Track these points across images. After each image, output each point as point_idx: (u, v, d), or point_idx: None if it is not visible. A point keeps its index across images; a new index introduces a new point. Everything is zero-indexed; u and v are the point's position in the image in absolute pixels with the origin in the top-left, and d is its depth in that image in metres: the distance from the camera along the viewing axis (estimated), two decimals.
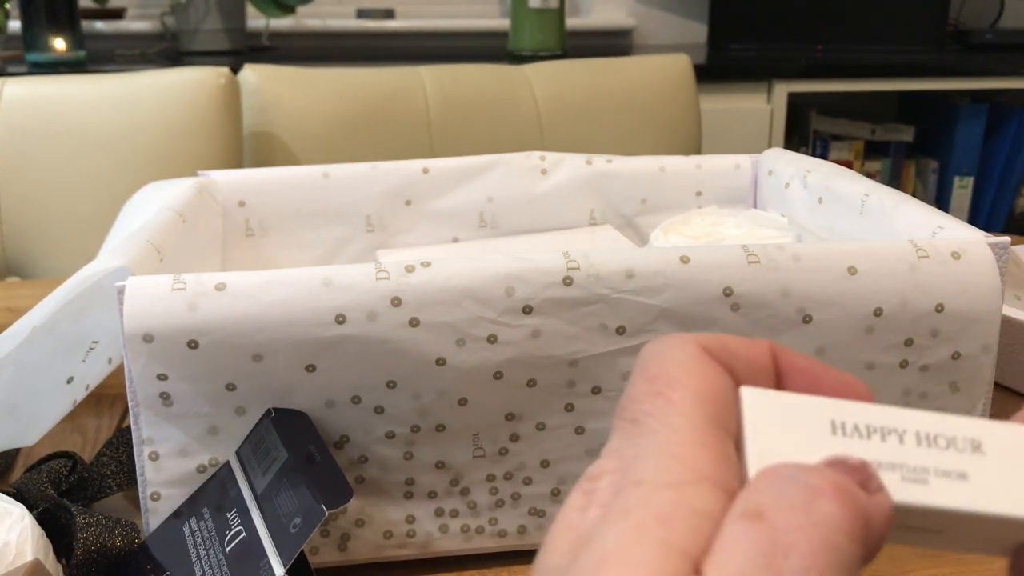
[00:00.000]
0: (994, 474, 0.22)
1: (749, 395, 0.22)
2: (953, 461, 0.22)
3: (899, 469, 0.21)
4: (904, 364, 0.46)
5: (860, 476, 0.21)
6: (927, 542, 0.23)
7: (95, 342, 0.47)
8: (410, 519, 0.45)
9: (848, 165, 1.91)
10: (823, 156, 2.04)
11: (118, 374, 0.47)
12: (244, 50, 1.79)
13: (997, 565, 0.47)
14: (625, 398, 0.22)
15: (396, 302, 0.41)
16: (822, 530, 0.19)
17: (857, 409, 0.22)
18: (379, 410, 0.43)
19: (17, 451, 0.56)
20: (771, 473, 0.20)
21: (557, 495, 0.46)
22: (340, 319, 0.40)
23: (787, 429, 0.22)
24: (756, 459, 0.21)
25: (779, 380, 0.23)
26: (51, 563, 0.41)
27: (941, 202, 2.08)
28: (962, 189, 2.06)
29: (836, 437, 0.22)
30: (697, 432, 0.21)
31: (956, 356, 0.46)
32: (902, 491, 0.21)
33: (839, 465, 0.21)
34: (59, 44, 1.60)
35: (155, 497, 0.43)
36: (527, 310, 0.42)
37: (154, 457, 0.43)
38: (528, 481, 0.46)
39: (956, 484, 0.21)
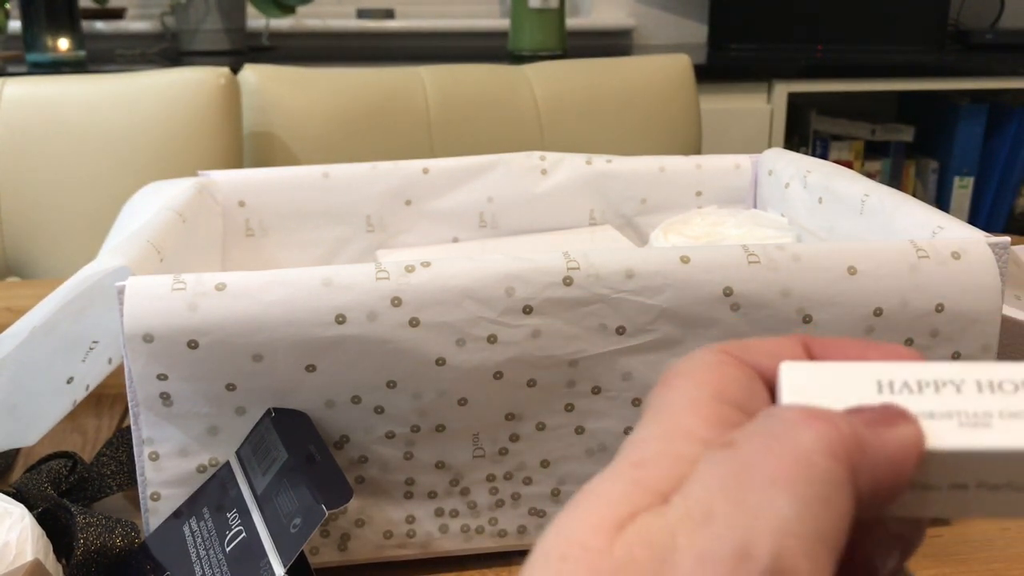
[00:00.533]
0: None
1: (787, 368, 0.21)
2: (1023, 402, 0.20)
3: (956, 416, 0.20)
4: None
5: (877, 415, 0.20)
6: (1005, 506, 0.21)
7: (95, 342, 0.47)
8: (410, 519, 0.45)
9: (848, 165, 1.91)
10: (823, 156, 2.04)
11: (118, 374, 0.46)
12: (244, 50, 1.79)
13: (999, 565, 0.47)
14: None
15: (396, 302, 0.41)
16: (792, 448, 0.18)
17: (908, 367, 0.21)
18: (379, 410, 0.43)
19: (17, 451, 0.56)
20: (756, 415, 0.20)
21: (557, 495, 0.46)
22: (340, 319, 0.40)
23: (828, 394, 0.21)
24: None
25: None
26: (51, 563, 0.41)
27: (941, 202, 2.08)
28: (962, 189, 2.06)
29: (883, 395, 0.21)
30: (694, 405, 0.21)
31: (956, 356, 0.46)
32: (960, 436, 0.20)
33: (851, 410, 0.20)
34: (59, 44, 1.60)
35: (155, 497, 0.43)
36: (527, 310, 0.42)
37: (154, 457, 0.43)
38: (528, 481, 0.46)
39: None
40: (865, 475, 0.19)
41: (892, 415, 0.20)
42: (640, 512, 0.19)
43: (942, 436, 0.20)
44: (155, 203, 0.57)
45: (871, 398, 0.20)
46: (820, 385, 0.21)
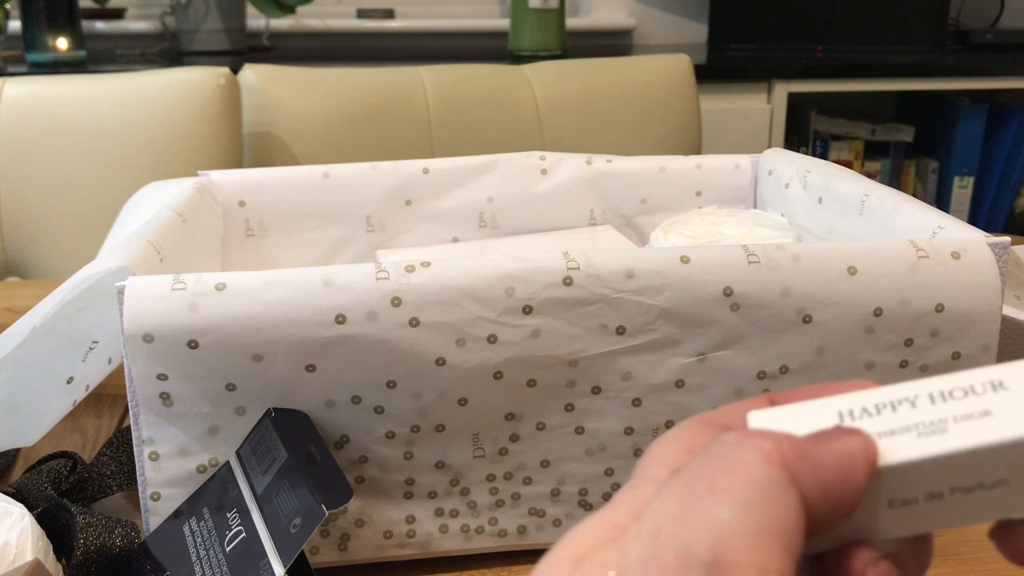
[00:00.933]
0: (1020, 402, 0.21)
1: (754, 416, 0.22)
2: (973, 404, 0.21)
3: (914, 429, 0.21)
4: (904, 364, 0.46)
5: (825, 434, 0.21)
6: (983, 508, 0.22)
7: (95, 342, 0.47)
8: (410, 519, 0.45)
9: (848, 165, 1.91)
10: (823, 156, 2.04)
11: (118, 374, 0.47)
12: (244, 50, 1.79)
13: (998, 565, 0.47)
14: None
15: (396, 302, 0.41)
16: (731, 461, 0.20)
17: (867, 395, 0.22)
18: (379, 410, 0.43)
19: (17, 451, 0.56)
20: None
21: (557, 495, 0.46)
22: (340, 319, 0.40)
23: (792, 426, 0.22)
24: None
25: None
26: (51, 563, 0.41)
27: (941, 202, 2.08)
28: (962, 189, 2.06)
29: (844, 422, 0.22)
30: (664, 457, 0.22)
31: (956, 356, 0.46)
32: (919, 446, 0.20)
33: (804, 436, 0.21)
34: (59, 44, 1.60)
35: (155, 497, 0.43)
36: (527, 310, 0.42)
37: (154, 457, 0.43)
38: (528, 481, 0.46)
39: (978, 422, 0.20)
40: (808, 478, 0.20)
41: (840, 431, 0.21)
42: (601, 544, 0.20)
43: (903, 449, 0.21)
44: (155, 203, 0.57)
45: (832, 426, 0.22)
46: (785, 424, 0.22)
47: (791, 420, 0.22)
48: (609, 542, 0.20)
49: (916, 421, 0.21)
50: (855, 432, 0.21)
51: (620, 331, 0.43)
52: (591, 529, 0.21)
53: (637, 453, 0.46)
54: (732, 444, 0.20)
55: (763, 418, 0.22)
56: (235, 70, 1.29)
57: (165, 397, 0.41)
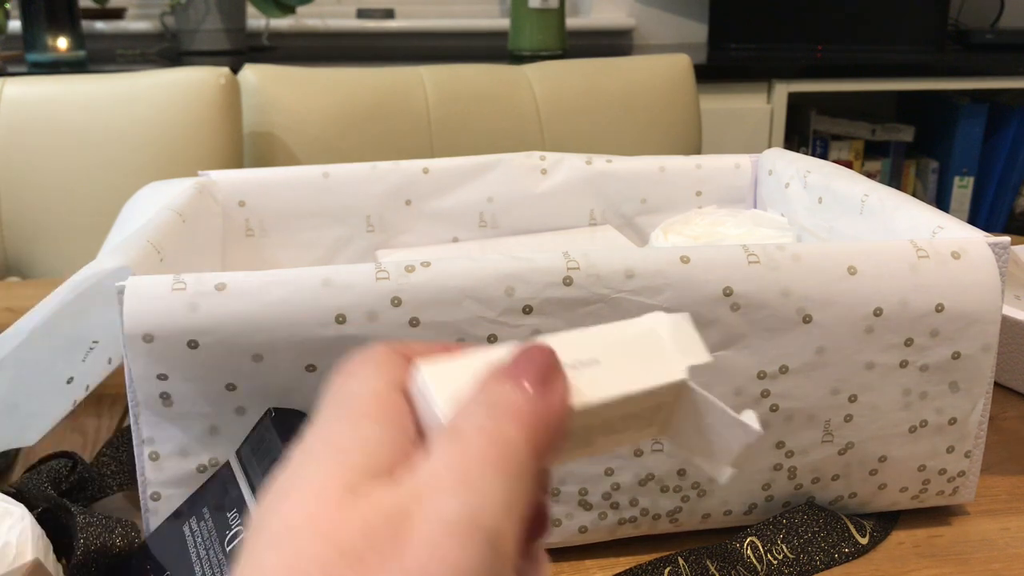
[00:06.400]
0: (623, 358, 0.26)
1: (424, 365, 0.25)
2: (587, 352, 0.25)
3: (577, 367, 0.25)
4: (904, 364, 0.46)
5: (542, 372, 0.24)
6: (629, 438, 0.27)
7: (95, 342, 0.47)
8: None
9: (848, 165, 1.91)
10: (823, 156, 2.04)
11: (118, 374, 0.47)
12: (244, 50, 1.79)
13: (999, 565, 0.47)
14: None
15: (396, 302, 0.41)
16: (503, 439, 0.22)
17: (508, 349, 0.25)
18: None
19: (17, 451, 0.56)
20: (465, 401, 0.23)
21: (557, 495, 0.46)
22: (340, 319, 0.40)
23: (455, 375, 0.25)
24: (441, 402, 0.24)
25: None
26: (51, 563, 0.41)
27: (941, 202, 2.08)
28: (962, 189, 2.06)
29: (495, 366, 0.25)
30: (377, 395, 0.24)
31: (956, 356, 0.46)
32: (598, 390, 0.25)
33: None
34: (59, 44, 1.60)
35: (155, 497, 0.43)
36: (527, 310, 0.42)
37: (154, 457, 0.43)
38: None
39: (589, 371, 0.25)
40: (545, 443, 0.23)
41: (550, 369, 0.24)
42: (371, 480, 0.22)
43: (588, 391, 0.25)
44: (155, 203, 0.57)
45: (488, 370, 0.25)
46: (449, 373, 0.25)
47: (453, 370, 0.25)
48: (380, 480, 0.21)
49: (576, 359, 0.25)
50: (559, 371, 0.24)
51: None
52: (333, 471, 0.22)
53: (638, 453, 0.46)
54: (501, 416, 0.23)
55: (429, 367, 0.25)
56: (235, 70, 1.29)
57: (165, 397, 0.41)
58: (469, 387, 0.24)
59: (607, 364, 0.25)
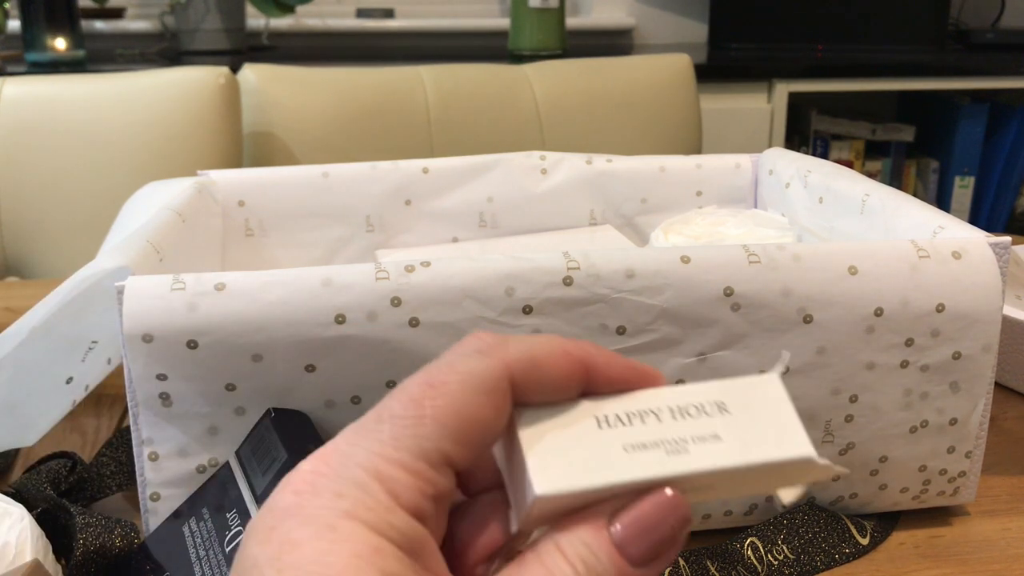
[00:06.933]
0: (741, 430, 0.24)
1: (519, 413, 0.24)
2: (705, 426, 0.24)
3: (663, 445, 0.24)
4: (905, 364, 0.46)
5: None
6: (705, 500, 0.26)
7: (94, 342, 0.47)
8: None
9: (849, 165, 1.91)
10: (823, 156, 2.04)
11: (118, 374, 0.46)
12: (244, 50, 1.79)
13: (1000, 565, 0.47)
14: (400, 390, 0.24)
15: (396, 302, 0.41)
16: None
17: (615, 401, 0.25)
18: None
19: (17, 451, 0.56)
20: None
21: None
22: (340, 319, 0.40)
23: (558, 435, 0.24)
24: (534, 465, 0.23)
25: (589, 386, 0.25)
26: (50, 563, 0.41)
27: (942, 202, 2.08)
28: (963, 189, 2.06)
29: (602, 430, 0.24)
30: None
31: (957, 356, 0.46)
32: (670, 464, 0.23)
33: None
34: (58, 44, 1.60)
35: (155, 497, 0.43)
36: (527, 310, 0.42)
37: (154, 457, 0.42)
38: None
39: (711, 446, 0.24)
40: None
41: (666, 545, 0.23)
42: None
43: (659, 464, 0.24)
44: (155, 203, 0.57)
45: (594, 433, 0.24)
46: (551, 429, 0.24)
47: (555, 425, 0.24)
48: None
49: (663, 438, 0.24)
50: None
51: (620, 331, 0.43)
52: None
53: None
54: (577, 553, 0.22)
55: (528, 416, 0.24)
56: (235, 70, 1.29)
57: (164, 397, 0.41)
58: (570, 443, 0.23)
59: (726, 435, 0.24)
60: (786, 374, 0.45)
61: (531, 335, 0.25)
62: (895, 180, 2.09)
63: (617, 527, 0.23)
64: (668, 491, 0.23)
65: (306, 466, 0.22)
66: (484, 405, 0.23)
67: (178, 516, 0.43)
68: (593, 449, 0.24)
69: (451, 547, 0.25)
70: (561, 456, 0.23)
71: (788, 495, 0.25)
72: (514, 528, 0.24)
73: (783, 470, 0.24)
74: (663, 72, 1.44)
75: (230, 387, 0.41)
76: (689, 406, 0.25)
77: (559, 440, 0.24)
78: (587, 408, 0.24)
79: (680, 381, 0.44)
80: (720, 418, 0.24)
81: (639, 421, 0.24)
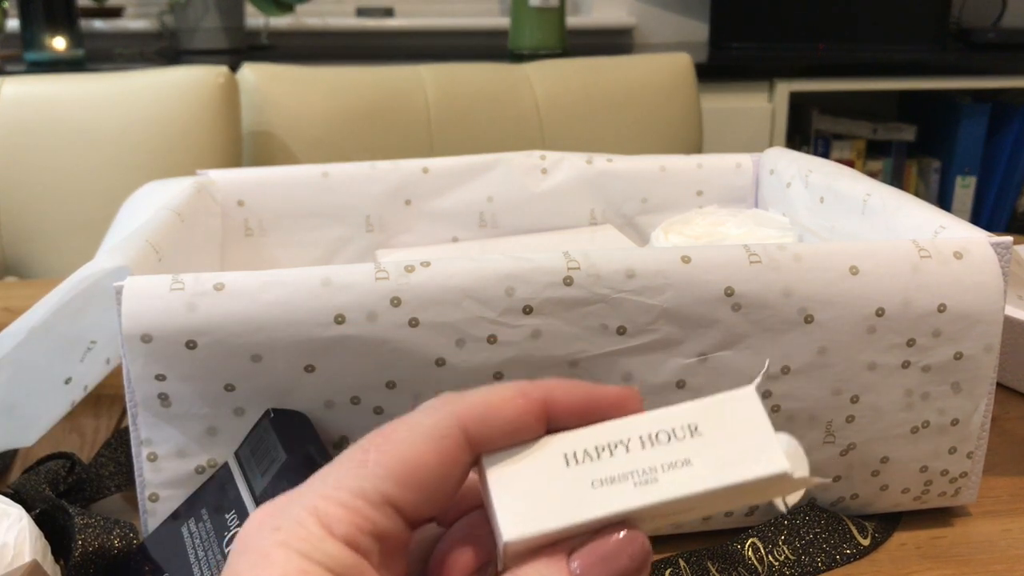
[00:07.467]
0: (713, 451, 0.24)
1: (487, 459, 0.25)
2: (676, 452, 0.24)
3: (631, 477, 0.24)
4: (906, 364, 0.46)
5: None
6: (687, 521, 0.26)
7: (93, 342, 0.47)
8: None
9: (850, 164, 1.91)
10: (824, 155, 2.04)
11: (116, 374, 0.46)
12: (243, 49, 1.79)
13: (1000, 566, 0.46)
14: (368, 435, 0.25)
15: (396, 302, 0.41)
16: None
17: (585, 435, 0.25)
18: (378, 410, 0.43)
19: (15, 452, 0.56)
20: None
21: None
22: (339, 319, 0.40)
23: (527, 476, 0.24)
24: (502, 510, 0.24)
25: (553, 421, 0.26)
26: (49, 564, 0.41)
27: (943, 201, 2.08)
28: (964, 188, 2.06)
29: (570, 468, 0.24)
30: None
31: (958, 356, 0.46)
32: (637, 496, 0.24)
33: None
34: (57, 43, 1.60)
35: (153, 498, 0.43)
36: (527, 310, 0.42)
37: (152, 458, 0.42)
38: None
39: (681, 472, 0.24)
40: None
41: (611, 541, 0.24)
42: None
43: (627, 498, 0.24)
44: (154, 203, 0.57)
45: (562, 471, 0.24)
46: (518, 471, 0.24)
47: (523, 466, 0.24)
48: None
49: (631, 469, 0.24)
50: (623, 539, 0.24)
51: (621, 331, 0.43)
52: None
53: None
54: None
55: (495, 461, 0.24)
56: (234, 69, 1.28)
57: (163, 398, 0.41)
58: (539, 484, 0.23)
59: (696, 460, 0.24)
60: (788, 374, 0.45)
61: (490, 385, 0.26)
62: (896, 180, 2.09)
63: (576, 563, 0.24)
64: (622, 532, 0.24)
65: (259, 511, 0.24)
66: (429, 451, 0.24)
67: (177, 517, 0.42)
68: (561, 488, 0.24)
69: (439, 571, 0.26)
70: (529, 499, 0.24)
71: (788, 499, 0.25)
72: (500, 567, 0.25)
73: (760, 486, 0.24)
74: (663, 71, 1.44)
75: (229, 387, 0.41)
76: (660, 432, 0.25)
77: (527, 482, 0.24)
78: (556, 446, 0.25)
79: (681, 381, 0.44)
80: (692, 441, 0.24)
81: (607, 454, 0.24)
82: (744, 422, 0.25)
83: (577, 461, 0.24)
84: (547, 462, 0.24)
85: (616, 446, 0.24)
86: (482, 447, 0.25)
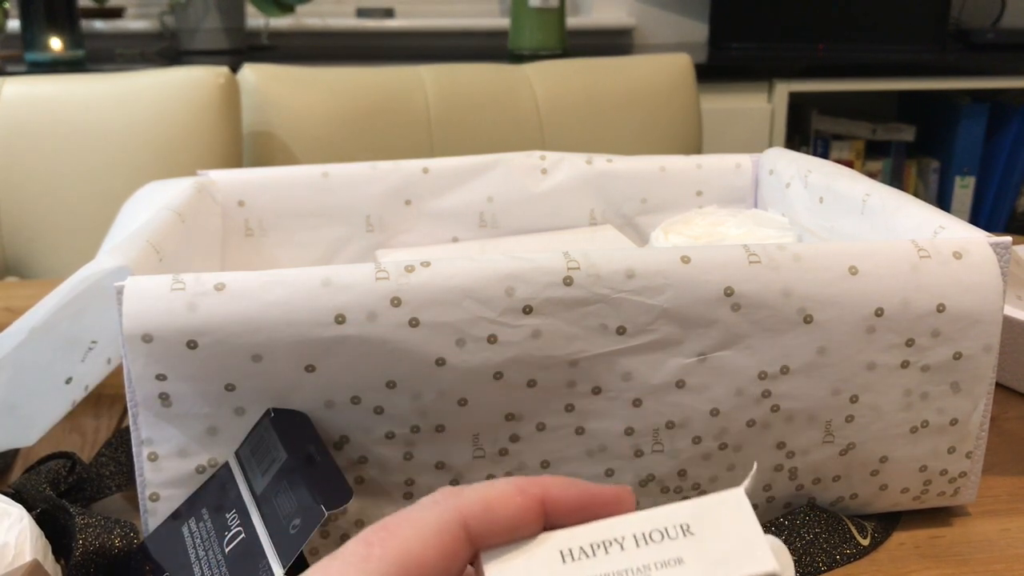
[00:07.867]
0: (705, 551, 0.25)
1: (485, 555, 0.25)
2: (669, 551, 0.25)
3: (626, 574, 0.25)
4: (905, 364, 0.46)
5: None
6: None
7: (94, 342, 0.47)
8: None
9: (849, 165, 1.91)
10: (824, 156, 2.04)
11: (117, 374, 0.46)
12: (243, 49, 1.79)
13: (1000, 566, 0.47)
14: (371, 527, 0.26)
15: (396, 302, 0.41)
16: None
17: (580, 532, 0.26)
18: (379, 410, 0.43)
19: (16, 451, 0.56)
20: None
21: None
22: (340, 319, 0.40)
23: (524, 572, 0.25)
24: None
25: (550, 518, 0.26)
26: (50, 564, 0.41)
27: (942, 202, 2.08)
28: (963, 189, 2.06)
29: (567, 565, 0.25)
30: None
31: (957, 356, 0.46)
32: None
33: None
34: (58, 43, 1.60)
35: (154, 498, 0.43)
36: (527, 310, 0.42)
37: (153, 458, 0.42)
38: None
39: (673, 571, 0.25)
40: None
41: None
42: None
43: None
44: (154, 203, 0.57)
45: (559, 569, 0.25)
46: (517, 568, 0.25)
47: (520, 564, 0.25)
48: None
49: (626, 568, 0.25)
50: None
51: (620, 331, 0.43)
52: None
53: (638, 454, 0.46)
54: None
55: (495, 558, 0.25)
56: (234, 69, 1.29)
57: (164, 397, 0.41)
58: None
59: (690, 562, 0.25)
60: (787, 374, 0.45)
61: (488, 481, 0.26)
62: (895, 180, 2.09)
63: None
64: None
65: None
66: (431, 547, 0.25)
67: (177, 516, 0.43)
68: None
69: None
70: None
71: None
72: None
73: None
74: (663, 72, 1.44)
75: (230, 387, 0.41)
76: (653, 531, 0.25)
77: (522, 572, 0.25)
78: (553, 543, 0.25)
79: (680, 381, 0.44)
80: (684, 540, 0.25)
81: (603, 552, 0.25)
82: (734, 523, 0.25)
83: (573, 558, 0.25)
84: (544, 559, 0.25)
85: (611, 544, 0.25)
86: (482, 543, 0.26)
